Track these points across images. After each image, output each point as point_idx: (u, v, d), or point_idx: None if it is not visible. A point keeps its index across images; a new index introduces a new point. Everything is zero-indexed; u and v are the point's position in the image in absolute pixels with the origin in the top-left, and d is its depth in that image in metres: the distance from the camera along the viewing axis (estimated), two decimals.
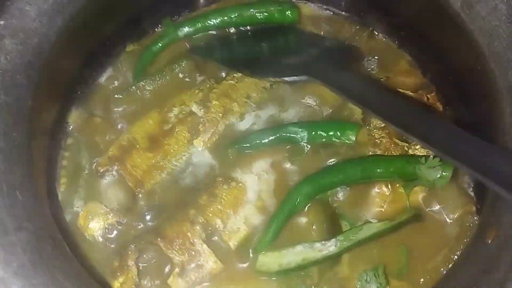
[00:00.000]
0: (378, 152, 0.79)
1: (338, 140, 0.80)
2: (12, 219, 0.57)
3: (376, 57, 0.88)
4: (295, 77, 0.78)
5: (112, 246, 0.76)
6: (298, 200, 0.76)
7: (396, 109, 0.64)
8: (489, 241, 0.63)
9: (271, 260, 0.74)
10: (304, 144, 0.81)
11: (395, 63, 0.90)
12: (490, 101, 0.71)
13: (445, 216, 0.77)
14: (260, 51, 0.85)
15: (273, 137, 0.81)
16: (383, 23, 0.90)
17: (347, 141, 0.80)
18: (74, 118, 0.84)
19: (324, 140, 0.80)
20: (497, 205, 0.64)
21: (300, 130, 0.80)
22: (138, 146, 0.81)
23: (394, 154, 0.79)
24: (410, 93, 0.85)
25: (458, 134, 0.58)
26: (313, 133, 0.80)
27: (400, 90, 0.85)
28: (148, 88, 0.86)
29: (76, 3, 0.72)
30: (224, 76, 0.87)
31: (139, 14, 0.87)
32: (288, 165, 0.80)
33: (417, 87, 0.87)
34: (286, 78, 0.79)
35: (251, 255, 0.75)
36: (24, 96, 0.66)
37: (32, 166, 0.65)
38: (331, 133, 0.80)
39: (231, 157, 0.81)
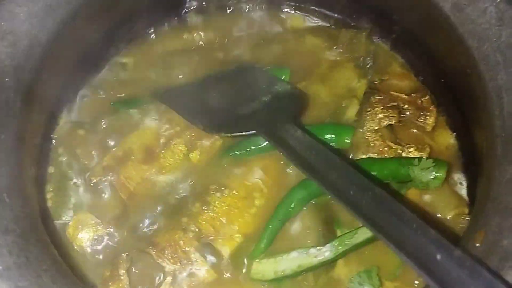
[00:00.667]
0: (372, 155, 0.80)
1: (333, 144, 0.80)
2: None
3: (369, 58, 0.89)
4: (243, 133, 0.78)
5: (101, 257, 0.75)
6: (292, 205, 0.76)
7: (349, 183, 0.60)
8: (478, 244, 0.63)
9: (266, 267, 0.73)
10: None
11: (388, 66, 0.91)
12: (481, 104, 0.72)
13: (438, 217, 0.77)
14: (214, 102, 0.83)
15: (266, 143, 0.81)
16: (375, 25, 0.92)
17: (342, 145, 0.80)
18: (59, 129, 0.83)
19: None
20: (486, 207, 0.65)
21: None
22: (133, 157, 0.81)
23: (388, 156, 0.80)
24: (404, 96, 0.86)
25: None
26: None
27: (394, 92, 0.86)
28: (141, 102, 0.85)
29: (68, 5, 0.73)
30: None
31: (132, 16, 0.88)
32: (282, 171, 0.80)
33: (411, 90, 0.88)
34: (236, 134, 0.79)
35: (245, 263, 0.74)
36: (12, 98, 0.66)
37: (21, 170, 0.65)
38: (326, 136, 0.80)
39: (225, 165, 0.81)
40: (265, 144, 0.81)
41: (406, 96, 0.86)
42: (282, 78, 0.89)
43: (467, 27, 0.71)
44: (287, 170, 0.80)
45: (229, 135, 0.80)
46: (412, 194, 0.78)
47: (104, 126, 0.83)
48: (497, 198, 0.63)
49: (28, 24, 0.68)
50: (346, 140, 0.80)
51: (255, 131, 0.76)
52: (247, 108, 0.80)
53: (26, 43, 0.68)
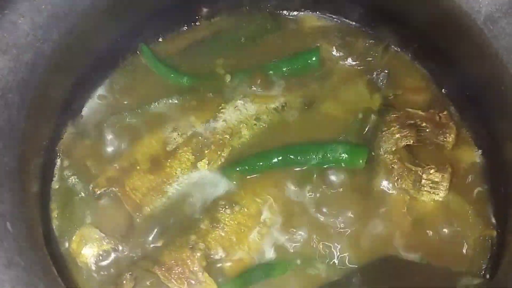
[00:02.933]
0: (391, 179, 0.76)
1: (347, 165, 0.77)
2: (1, 254, 0.54)
3: (385, 71, 0.84)
4: None
5: (106, 273, 0.73)
6: None
7: None
8: None
9: None
10: (312, 167, 0.78)
11: (406, 78, 0.87)
12: None
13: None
14: None
15: (278, 159, 0.78)
16: (396, 34, 0.87)
17: (355, 166, 0.77)
18: (65, 140, 0.81)
19: (332, 164, 0.77)
20: None
21: (306, 152, 0.77)
22: (138, 167, 0.78)
23: (408, 180, 0.76)
24: (421, 113, 0.80)
25: None
26: (321, 155, 0.77)
27: (410, 110, 0.81)
28: (146, 110, 0.83)
29: (73, 15, 0.69)
30: (232, 95, 0.84)
31: (138, 27, 0.85)
32: (295, 190, 0.77)
33: (428, 105, 0.83)
34: None
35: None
36: (16, 117, 0.63)
37: (24, 193, 0.62)
38: (340, 156, 0.77)
39: (234, 181, 0.78)
40: (276, 160, 0.78)
41: (423, 113, 0.80)
42: (313, 59, 0.85)
43: (501, 41, 0.66)
44: (301, 190, 0.77)
45: None
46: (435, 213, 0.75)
47: (109, 135, 0.81)
48: None
49: (32, 36, 0.65)
50: (360, 162, 0.76)
51: None
52: None
53: (29, 56, 0.65)
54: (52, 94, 0.73)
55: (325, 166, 0.78)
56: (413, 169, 0.76)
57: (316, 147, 0.78)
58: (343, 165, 0.77)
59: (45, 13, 0.67)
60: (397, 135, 0.78)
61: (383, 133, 0.79)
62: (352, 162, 0.77)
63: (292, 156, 0.78)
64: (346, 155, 0.77)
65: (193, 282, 0.72)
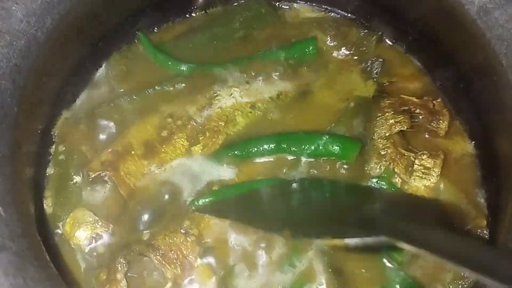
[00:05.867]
0: (384, 164, 0.75)
1: (338, 158, 0.76)
2: None
3: (380, 60, 0.83)
4: (366, 238, 0.60)
5: (99, 257, 0.72)
6: None
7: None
8: None
9: None
10: (305, 157, 0.77)
11: (400, 68, 0.85)
12: (507, 114, 0.66)
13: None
14: (307, 207, 0.71)
15: (271, 147, 0.77)
16: (390, 27, 0.85)
17: (346, 158, 0.76)
18: (60, 125, 0.79)
19: (324, 156, 0.76)
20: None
21: (299, 141, 0.76)
22: (133, 152, 0.76)
23: (400, 164, 0.75)
24: (415, 100, 0.79)
25: None
26: (313, 147, 0.76)
27: (405, 96, 0.80)
28: (142, 96, 0.82)
29: (67, 2, 0.67)
30: (228, 82, 0.83)
31: (133, 15, 0.83)
32: (289, 177, 0.76)
33: (422, 93, 0.82)
34: (351, 240, 0.63)
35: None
36: (9, 103, 0.61)
37: (17, 179, 0.61)
38: (332, 149, 0.76)
39: (225, 165, 0.77)
40: (269, 147, 0.77)
41: (418, 100, 0.79)
42: (311, 48, 0.84)
43: (494, 32, 0.64)
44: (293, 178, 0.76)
45: (335, 241, 0.66)
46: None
47: (105, 120, 0.80)
48: None
49: (25, 23, 0.63)
50: (351, 156, 0.76)
51: (384, 236, 0.60)
52: (360, 214, 0.68)
53: (23, 42, 0.63)
54: (46, 81, 0.71)
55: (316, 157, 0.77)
56: (406, 154, 0.75)
57: (309, 137, 0.77)
58: (334, 158, 0.77)
59: (39, 0, 0.66)
60: (391, 121, 0.77)
61: (377, 118, 0.78)
62: (343, 156, 0.76)
63: (285, 145, 0.77)
64: (338, 149, 0.76)
65: (186, 266, 0.71)
